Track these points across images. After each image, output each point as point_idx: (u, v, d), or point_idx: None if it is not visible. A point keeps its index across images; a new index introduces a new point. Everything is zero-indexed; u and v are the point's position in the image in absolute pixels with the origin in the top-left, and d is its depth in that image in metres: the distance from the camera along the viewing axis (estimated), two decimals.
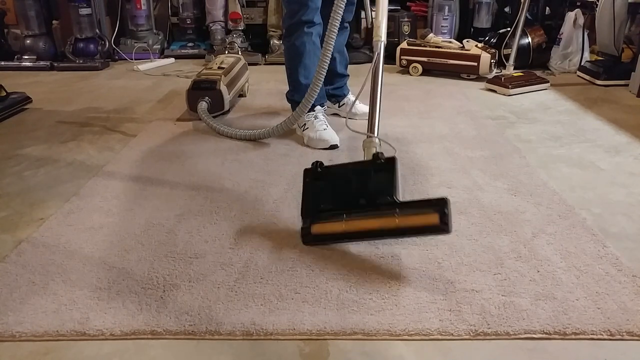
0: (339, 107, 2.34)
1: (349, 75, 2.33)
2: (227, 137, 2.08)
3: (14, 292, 1.13)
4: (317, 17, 1.97)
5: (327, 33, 1.61)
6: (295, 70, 2.03)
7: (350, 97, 2.34)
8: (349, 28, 2.26)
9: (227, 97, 2.34)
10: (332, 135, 1.99)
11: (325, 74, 1.70)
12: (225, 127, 2.11)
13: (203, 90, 2.28)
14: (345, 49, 2.28)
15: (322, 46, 1.68)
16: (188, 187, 1.66)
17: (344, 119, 2.19)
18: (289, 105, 2.20)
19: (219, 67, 2.45)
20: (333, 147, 1.98)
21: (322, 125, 2.02)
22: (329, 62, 1.67)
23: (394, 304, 1.09)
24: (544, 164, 1.83)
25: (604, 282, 1.15)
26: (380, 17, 1.56)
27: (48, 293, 1.13)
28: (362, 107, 2.18)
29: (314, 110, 2.04)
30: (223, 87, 2.30)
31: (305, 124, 2.03)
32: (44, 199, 1.60)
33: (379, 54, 1.52)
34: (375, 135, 1.45)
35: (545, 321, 1.03)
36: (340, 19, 1.59)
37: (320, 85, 1.73)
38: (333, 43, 1.63)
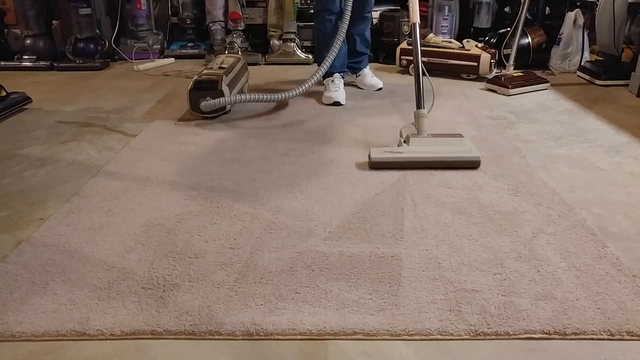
0: (356, 77, 2.90)
1: (366, 54, 2.86)
2: (256, 102, 2.31)
3: (14, 292, 1.13)
4: (335, 6, 2.51)
5: (341, 21, 2.29)
6: (320, 47, 2.67)
7: (366, 70, 2.87)
8: (370, 17, 2.78)
9: (233, 98, 2.34)
10: (337, 95, 2.57)
11: (336, 53, 2.29)
12: (251, 94, 2.26)
13: (205, 90, 2.28)
14: (367, 33, 2.79)
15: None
16: (188, 187, 1.66)
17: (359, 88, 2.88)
18: (289, 105, 2.36)
19: (219, 67, 2.44)
20: (336, 103, 2.56)
21: (335, 87, 2.61)
22: (340, 44, 2.29)
23: (394, 304, 1.09)
24: (544, 164, 1.83)
25: (604, 282, 1.15)
26: (413, 2, 1.97)
27: (48, 293, 1.13)
28: (372, 80, 2.84)
29: (332, 77, 2.62)
30: (225, 87, 2.30)
31: (325, 86, 2.64)
32: (44, 199, 1.60)
33: (415, 34, 1.92)
34: (423, 107, 1.88)
35: (545, 321, 1.03)
36: (350, 11, 2.25)
37: (330, 62, 2.29)
38: (345, 30, 2.26)
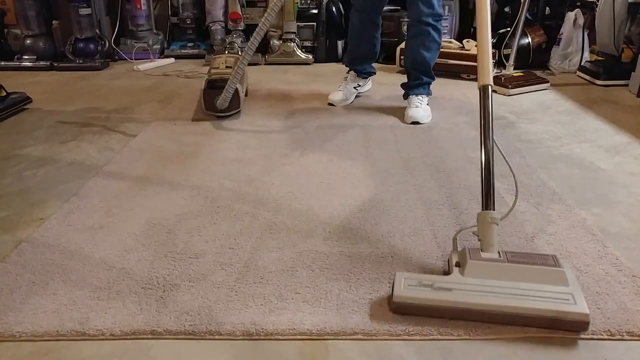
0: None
1: (419, 77, 2.39)
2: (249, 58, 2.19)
3: (14, 292, 1.13)
4: (362, 5, 2.43)
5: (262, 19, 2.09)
6: (350, 40, 2.62)
7: (414, 98, 2.37)
8: (426, 31, 2.28)
9: (242, 95, 2.35)
10: (335, 96, 2.56)
11: (258, 42, 2.13)
12: (243, 57, 2.19)
13: (219, 89, 2.28)
14: (417, 50, 2.33)
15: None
16: (188, 187, 1.66)
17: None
18: (289, 105, 2.31)
19: (226, 67, 2.45)
20: (330, 104, 2.55)
21: (340, 87, 2.60)
22: (262, 35, 2.13)
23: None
24: (544, 164, 1.83)
25: (604, 282, 1.15)
26: (485, 53, 1.29)
27: (48, 293, 1.13)
28: (409, 111, 2.31)
29: (348, 73, 2.64)
30: (238, 85, 2.31)
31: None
32: (44, 199, 1.60)
33: (486, 102, 1.27)
34: (493, 209, 1.17)
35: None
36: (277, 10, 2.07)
37: (249, 58, 2.16)
38: (267, 26, 2.09)
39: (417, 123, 2.27)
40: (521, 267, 1.08)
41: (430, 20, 2.24)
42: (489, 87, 1.27)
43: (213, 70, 2.42)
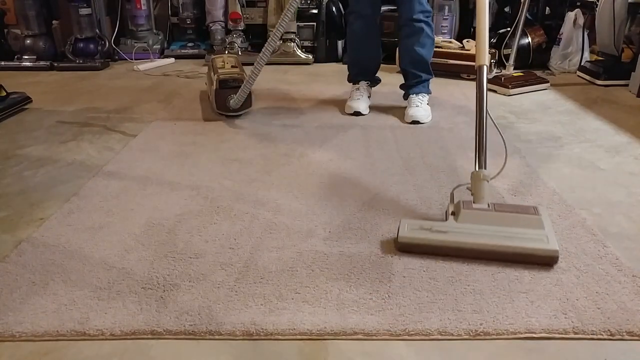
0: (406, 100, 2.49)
1: (418, 75, 2.40)
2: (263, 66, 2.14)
3: (14, 292, 1.13)
4: (361, 8, 2.33)
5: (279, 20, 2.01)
6: (349, 48, 2.55)
7: (413, 97, 2.38)
8: (420, 28, 2.30)
9: (253, 93, 2.35)
10: (359, 105, 2.39)
11: (272, 48, 2.08)
12: (256, 64, 2.13)
13: (231, 88, 2.29)
14: (420, 48, 2.34)
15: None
16: (188, 187, 1.66)
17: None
18: (289, 105, 2.27)
19: (232, 67, 2.45)
20: (357, 113, 2.39)
21: (358, 96, 2.43)
22: (277, 41, 2.08)
23: (394, 304, 1.09)
24: (544, 164, 1.83)
25: (604, 282, 1.15)
26: (481, 39, 1.48)
27: (48, 293, 1.13)
28: (410, 110, 2.31)
29: (358, 84, 2.48)
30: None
31: (350, 94, 2.47)
32: (44, 199, 1.60)
33: (481, 79, 1.43)
34: (485, 168, 1.38)
35: (545, 321, 1.03)
36: (293, 11, 2.03)
37: (266, 58, 2.08)
38: (282, 30, 2.03)
39: (418, 122, 2.27)
40: (506, 215, 1.29)
41: (422, 17, 2.27)
42: (484, 67, 1.45)
43: (220, 70, 2.41)
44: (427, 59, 2.37)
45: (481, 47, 1.48)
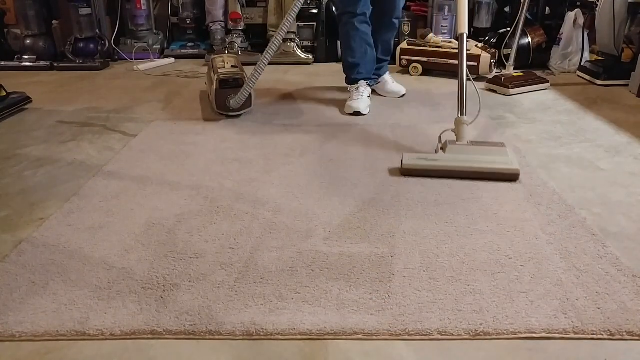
0: (375, 84, 2.72)
1: (388, 60, 2.72)
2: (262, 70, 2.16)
3: (14, 292, 1.13)
4: (357, 8, 2.37)
5: (284, 20, 2.05)
6: (344, 52, 2.53)
7: (386, 77, 2.73)
8: (396, 25, 2.61)
9: (253, 93, 2.35)
10: (359, 104, 2.40)
11: (275, 49, 2.08)
12: (256, 68, 2.15)
13: (231, 88, 2.29)
14: (390, 40, 2.67)
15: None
16: (188, 187, 1.66)
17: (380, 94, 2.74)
18: (289, 105, 2.29)
19: (232, 66, 2.45)
20: (357, 113, 2.39)
21: (357, 96, 2.44)
22: (280, 41, 2.08)
23: (394, 304, 1.09)
24: (544, 164, 1.83)
25: (604, 282, 1.15)
26: (461, 11, 1.88)
27: (48, 293, 1.13)
28: (393, 87, 2.71)
29: (357, 84, 2.48)
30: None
31: (349, 94, 2.49)
32: (44, 199, 1.60)
33: (462, 45, 1.85)
34: (465, 114, 1.81)
35: (545, 321, 1.03)
36: (297, 11, 2.04)
37: (269, 58, 2.09)
38: (286, 30, 2.05)
39: (403, 95, 2.66)
40: (481, 148, 1.76)
41: (399, 17, 2.63)
42: (464, 35, 1.86)
43: (220, 70, 2.40)
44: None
45: (461, 18, 1.88)
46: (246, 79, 2.27)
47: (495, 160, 1.69)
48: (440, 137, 1.85)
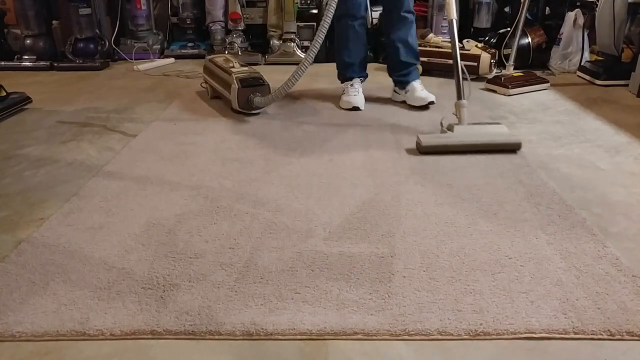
0: (405, 92, 2.54)
1: (414, 64, 2.54)
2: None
3: (14, 292, 1.13)
4: (359, 11, 2.43)
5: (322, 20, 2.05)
6: (340, 51, 2.55)
7: (415, 84, 2.51)
8: (410, 19, 2.46)
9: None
10: (357, 99, 2.48)
11: (316, 50, 2.10)
12: (286, 83, 2.18)
13: (253, 87, 2.35)
14: (411, 39, 2.49)
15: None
16: (188, 187, 1.66)
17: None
18: (289, 105, 2.31)
19: (241, 66, 2.49)
20: (355, 108, 2.46)
21: (354, 92, 2.51)
22: (324, 31, 2.06)
23: (394, 304, 1.09)
24: (544, 164, 1.83)
25: (604, 282, 1.15)
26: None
27: (48, 293, 1.13)
28: (421, 94, 2.47)
29: (352, 81, 2.54)
30: (267, 82, 2.38)
31: (343, 90, 2.55)
32: (44, 199, 1.60)
33: (453, 30, 2.03)
34: (464, 98, 2.01)
35: (545, 321, 1.03)
36: (333, 11, 2.02)
37: (310, 62, 2.13)
38: (327, 27, 2.05)
39: (432, 102, 2.46)
40: (483, 126, 2.04)
41: (410, 10, 2.47)
42: (454, 21, 2.06)
43: (234, 70, 2.43)
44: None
45: (451, 5, 2.06)
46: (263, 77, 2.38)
47: (499, 134, 1.97)
48: (441, 122, 2.01)
